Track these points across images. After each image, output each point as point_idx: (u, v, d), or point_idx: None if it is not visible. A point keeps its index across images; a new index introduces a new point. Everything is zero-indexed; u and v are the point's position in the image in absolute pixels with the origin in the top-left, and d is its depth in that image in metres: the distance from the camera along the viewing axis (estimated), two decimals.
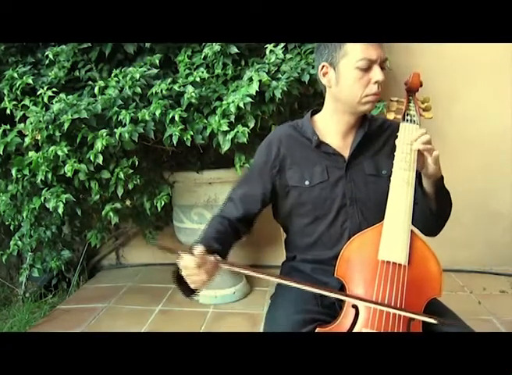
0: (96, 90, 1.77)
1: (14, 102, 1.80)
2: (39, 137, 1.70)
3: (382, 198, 1.02)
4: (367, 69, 1.02)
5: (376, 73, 1.02)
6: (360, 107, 1.07)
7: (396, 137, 1.06)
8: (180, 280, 0.95)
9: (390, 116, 1.12)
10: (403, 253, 0.96)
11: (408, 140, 1.02)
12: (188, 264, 0.90)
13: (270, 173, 1.15)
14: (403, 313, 0.92)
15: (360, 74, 1.02)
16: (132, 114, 1.69)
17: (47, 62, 1.91)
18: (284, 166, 1.14)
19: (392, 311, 0.91)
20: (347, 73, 1.04)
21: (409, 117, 1.10)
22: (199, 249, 0.90)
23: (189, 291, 0.97)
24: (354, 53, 1.01)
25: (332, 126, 1.14)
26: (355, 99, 1.05)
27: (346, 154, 1.12)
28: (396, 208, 0.99)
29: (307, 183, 1.12)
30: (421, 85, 1.15)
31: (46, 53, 1.86)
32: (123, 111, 1.70)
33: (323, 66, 1.08)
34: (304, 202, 1.13)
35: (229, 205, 1.17)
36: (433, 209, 1.06)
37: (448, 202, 1.10)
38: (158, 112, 1.68)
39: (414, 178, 1.00)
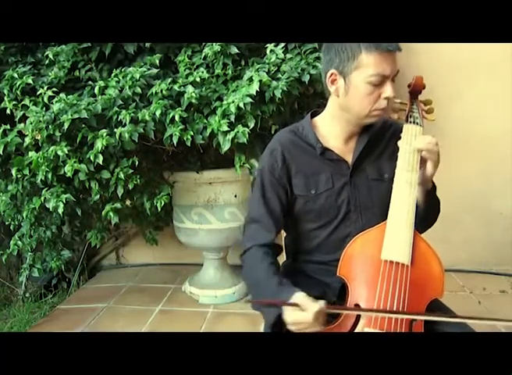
0: (96, 90, 1.77)
1: (14, 102, 1.80)
2: (39, 137, 1.70)
3: (385, 202, 1.02)
4: (378, 85, 0.99)
5: (387, 90, 0.99)
6: (367, 119, 1.05)
7: (400, 138, 1.06)
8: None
9: (393, 118, 1.12)
10: (405, 253, 0.96)
11: (411, 141, 1.03)
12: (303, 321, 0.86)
13: (281, 183, 1.11)
14: (404, 316, 0.92)
15: (371, 89, 0.99)
16: (132, 114, 1.69)
17: (47, 62, 1.91)
18: (290, 174, 1.12)
19: (391, 316, 0.91)
20: (358, 86, 1.00)
21: (412, 119, 1.10)
22: (321, 305, 0.85)
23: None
24: (368, 67, 0.97)
25: (334, 131, 1.12)
26: (363, 112, 1.03)
27: (349, 158, 1.11)
28: (399, 208, 0.99)
29: (313, 191, 1.10)
30: (424, 88, 1.15)
31: (46, 53, 1.86)
32: (123, 111, 1.70)
33: (332, 74, 1.03)
34: (310, 210, 1.12)
35: (257, 228, 1.10)
36: (420, 214, 1.04)
37: (436, 211, 1.11)
38: (158, 112, 1.68)
39: (417, 179, 1.00)
